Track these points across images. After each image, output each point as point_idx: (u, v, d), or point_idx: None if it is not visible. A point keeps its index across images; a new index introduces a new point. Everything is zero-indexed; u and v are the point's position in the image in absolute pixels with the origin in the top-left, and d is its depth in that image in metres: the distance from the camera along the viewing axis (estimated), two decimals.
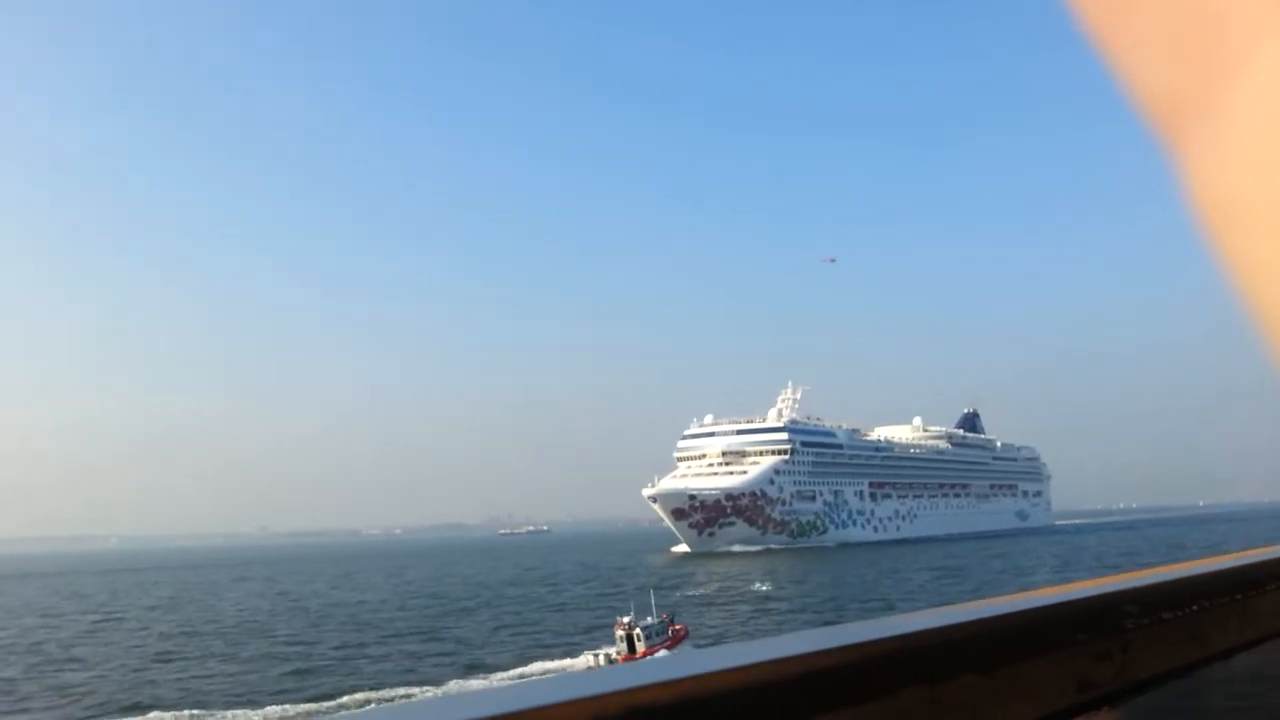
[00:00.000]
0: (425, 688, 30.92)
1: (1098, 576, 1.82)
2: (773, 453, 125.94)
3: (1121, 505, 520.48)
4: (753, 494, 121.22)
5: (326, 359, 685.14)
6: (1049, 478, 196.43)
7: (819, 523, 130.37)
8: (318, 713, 27.83)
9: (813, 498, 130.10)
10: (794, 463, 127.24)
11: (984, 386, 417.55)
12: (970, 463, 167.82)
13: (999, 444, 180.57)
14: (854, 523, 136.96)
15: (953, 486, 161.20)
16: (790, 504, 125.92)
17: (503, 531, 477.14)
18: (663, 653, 32.54)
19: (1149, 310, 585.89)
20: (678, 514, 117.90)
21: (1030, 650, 1.29)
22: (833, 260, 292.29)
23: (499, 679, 32.00)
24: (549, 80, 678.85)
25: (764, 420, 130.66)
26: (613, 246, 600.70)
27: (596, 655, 33.83)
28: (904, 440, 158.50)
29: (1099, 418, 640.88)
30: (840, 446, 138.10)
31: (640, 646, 33.80)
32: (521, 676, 31.98)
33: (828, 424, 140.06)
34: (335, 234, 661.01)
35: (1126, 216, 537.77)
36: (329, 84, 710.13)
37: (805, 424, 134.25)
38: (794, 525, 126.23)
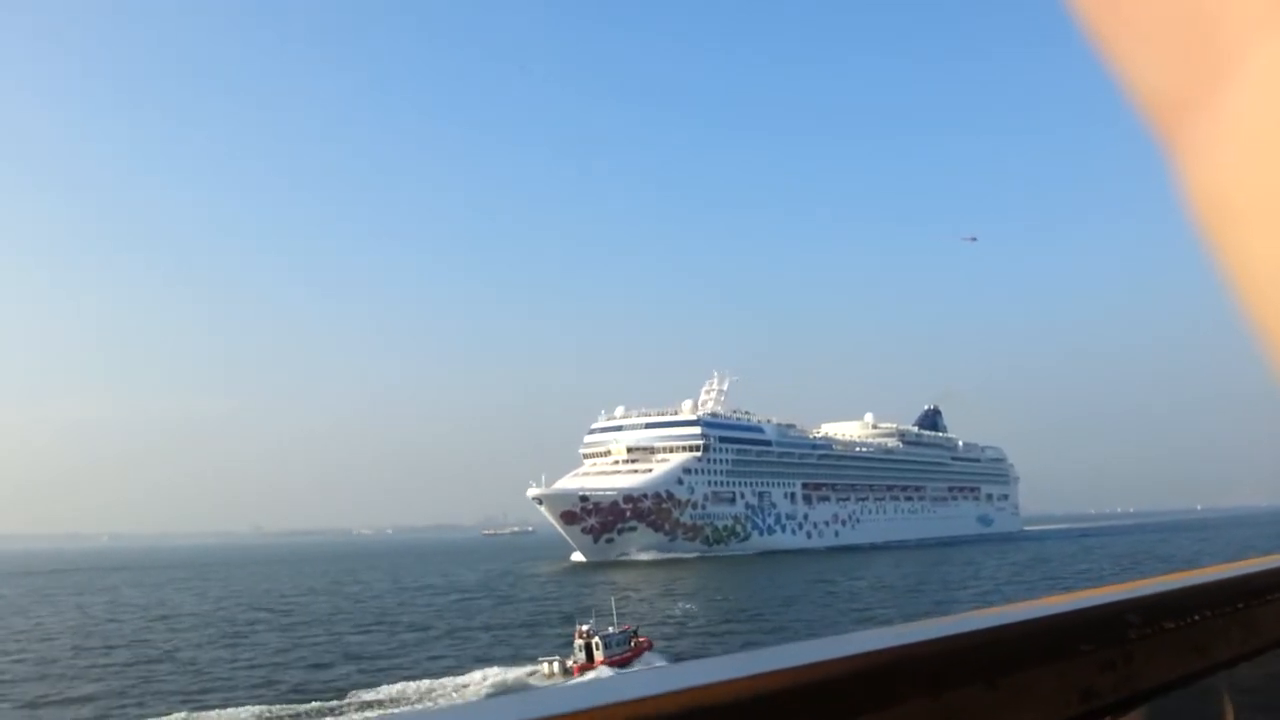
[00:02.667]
0: None
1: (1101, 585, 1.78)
2: (684, 449, 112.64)
3: (1118, 509, 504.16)
4: (656, 495, 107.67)
5: (326, 359, 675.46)
6: (1017, 479, 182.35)
7: (739, 528, 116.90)
8: (312, 713, 27.29)
9: (732, 499, 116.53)
10: (708, 460, 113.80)
11: (958, 384, 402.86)
12: (925, 463, 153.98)
13: (960, 443, 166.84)
14: (782, 528, 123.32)
15: (904, 488, 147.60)
16: (703, 506, 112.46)
17: (486, 532, 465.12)
18: (637, 665, 32.00)
19: (1146, 310, 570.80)
20: (567, 518, 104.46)
21: (1033, 660, 1.27)
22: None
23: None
24: (549, 80, 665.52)
25: (677, 413, 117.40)
26: (612, 246, 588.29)
27: (552, 663, 32.93)
28: (849, 438, 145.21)
29: (1092, 419, 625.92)
30: (767, 443, 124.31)
31: (599, 656, 33.28)
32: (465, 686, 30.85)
33: (756, 418, 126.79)
34: (335, 234, 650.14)
35: (1123, 215, 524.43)
36: (329, 83, 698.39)
37: (725, 418, 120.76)
38: (708, 530, 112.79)
